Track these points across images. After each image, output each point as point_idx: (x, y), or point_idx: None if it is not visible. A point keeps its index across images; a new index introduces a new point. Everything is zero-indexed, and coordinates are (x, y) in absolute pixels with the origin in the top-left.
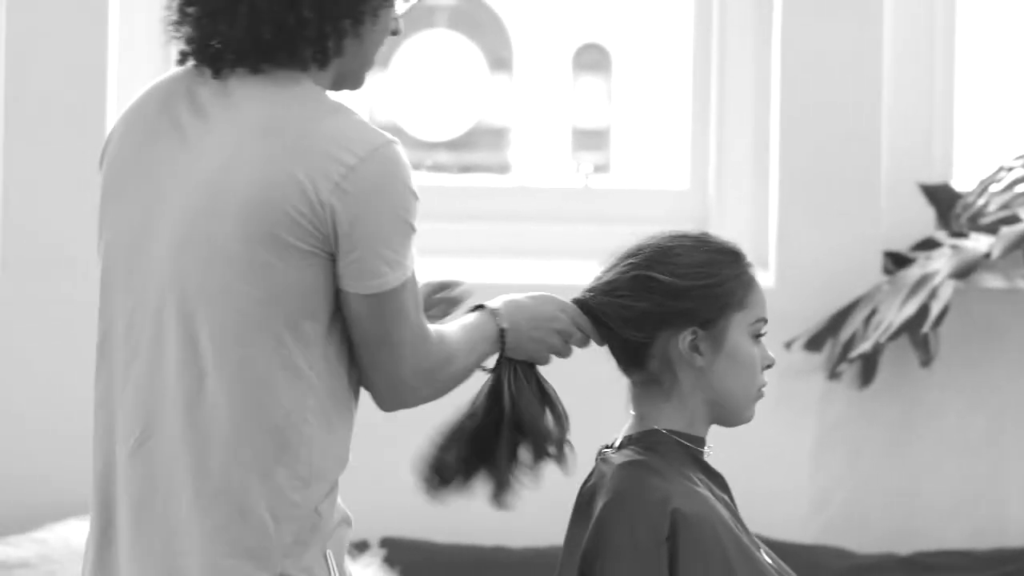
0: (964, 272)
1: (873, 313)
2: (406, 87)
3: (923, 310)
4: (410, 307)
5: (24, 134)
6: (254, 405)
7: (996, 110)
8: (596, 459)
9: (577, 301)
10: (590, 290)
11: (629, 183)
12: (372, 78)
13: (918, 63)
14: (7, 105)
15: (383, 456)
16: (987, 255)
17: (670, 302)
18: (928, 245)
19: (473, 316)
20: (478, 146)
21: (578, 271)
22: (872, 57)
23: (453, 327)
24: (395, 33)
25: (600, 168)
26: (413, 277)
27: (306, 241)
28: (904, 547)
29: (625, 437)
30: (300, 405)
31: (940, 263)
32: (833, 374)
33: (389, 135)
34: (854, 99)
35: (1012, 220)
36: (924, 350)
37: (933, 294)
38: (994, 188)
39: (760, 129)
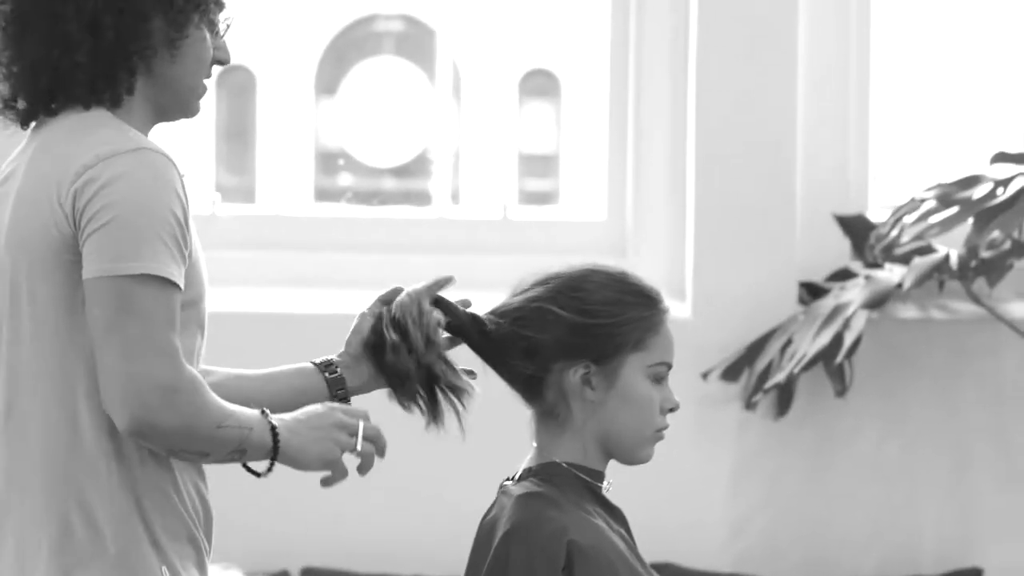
0: (877, 302)
1: (788, 343)
2: (353, 114)
3: (837, 340)
4: (149, 309)
5: None
6: (74, 418)
7: (910, 142)
8: (497, 491)
9: (478, 330)
10: (495, 315)
11: (547, 214)
12: (323, 104)
13: (833, 95)
14: None
15: (301, 487)
16: (899, 285)
17: (567, 337)
18: (843, 276)
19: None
20: (425, 173)
21: (496, 302)
22: (787, 89)
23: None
24: (220, 62)
25: (548, 195)
26: (162, 285)
27: (60, 249)
28: (820, 575)
29: (525, 469)
30: (91, 416)
31: (854, 293)
32: (749, 404)
33: (151, 146)
34: (770, 131)
35: (925, 251)
36: (839, 380)
37: (847, 324)
38: (907, 219)
39: (677, 160)
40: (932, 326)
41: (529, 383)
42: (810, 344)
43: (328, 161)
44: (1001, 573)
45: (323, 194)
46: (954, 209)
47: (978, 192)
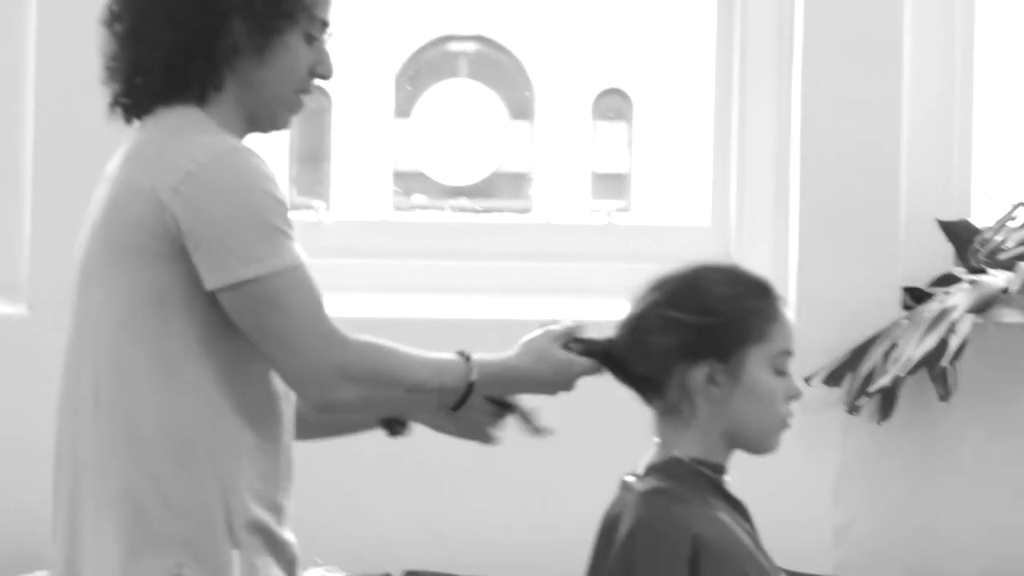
0: (982, 307)
1: (892, 348)
2: (428, 134)
3: (942, 344)
4: (289, 301)
5: (50, 181)
6: (136, 409)
7: (1014, 147)
8: (620, 488)
9: (600, 348)
10: (619, 329)
11: (651, 220)
12: (396, 126)
13: (937, 100)
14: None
15: (408, 489)
16: (1005, 290)
17: (688, 338)
18: (946, 281)
19: (448, 354)
20: (498, 192)
21: (604, 308)
22: (891, 95)
23: (414, 350)
24: (320, 76)
25: (620, 212)
26: (292, 274)
27: (158, 244)
28: None
29: (648, 465)
30: (183, 407)
31: (958, 298)
32: (852, 408)
33: (240, 144)
34: (874, 136)
35: None
36: (943, 384)
37: (952, 328)
38: (1012, 224)
39: (781, 166)
40: None
41: (651, 385)
42: (915, 348)
43: (403, 182)
44: None
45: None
46: None
47: None
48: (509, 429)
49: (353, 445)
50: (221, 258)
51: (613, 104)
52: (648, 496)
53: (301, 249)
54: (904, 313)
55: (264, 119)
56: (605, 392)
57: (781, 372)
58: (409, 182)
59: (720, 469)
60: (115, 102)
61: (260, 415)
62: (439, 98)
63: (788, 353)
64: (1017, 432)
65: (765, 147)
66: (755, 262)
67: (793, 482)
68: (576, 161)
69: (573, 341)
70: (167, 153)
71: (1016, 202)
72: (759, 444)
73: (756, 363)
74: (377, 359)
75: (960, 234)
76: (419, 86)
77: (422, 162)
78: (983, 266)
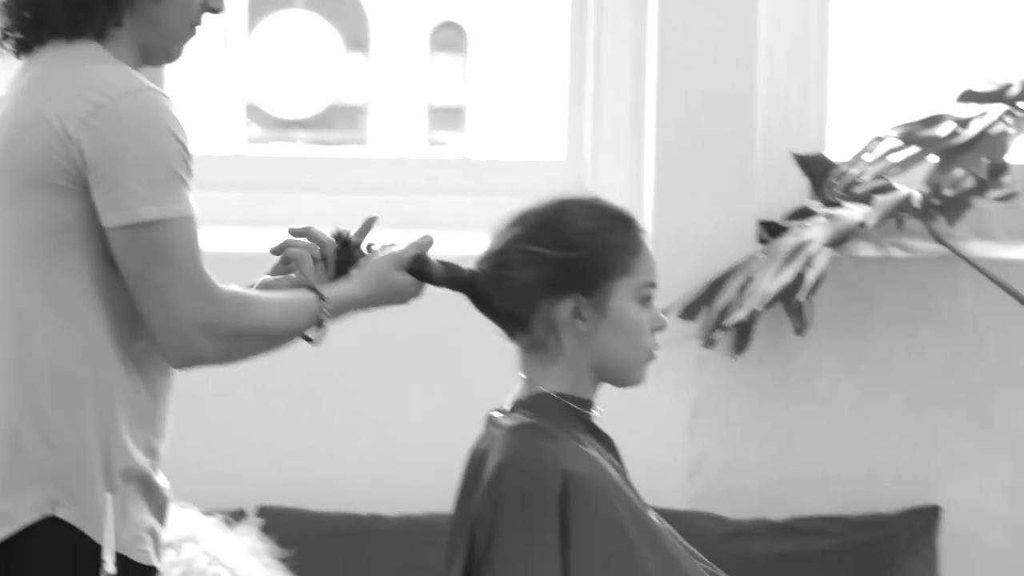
0: (839, 240)
1: (748, 281)
2: (263, 66)
3: (798, 278)
4: (177, 252)
5: None
6: (24, 341)
7: (869, 81)
8: (486, 423)
9: (464, 280)
10: (481, 263)
11: (507, 155)
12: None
13: (793, 34)
14: None
15: (258, 425)
16: (862, 224)
17: (552, 273)
18: (802, 214)
19: (299, 292)
20: (334, 125)
21: (459, 242)
22: (748, 27)
23: (270, 293)
24: (212, 10)
25: (459, 145)
26: (183, 224)
27: (60, 177)
28: (778, 513)
29: (515, 401)
30: (71, 344)
31: (815, 232)
32: (708, 342)
33: (151, 84)
34: (730, 69)
35: (885, 189)
36: (798, 318)
37: (808, 262)
38: (867, 158)
39: (636, 99)
40: (891, 265)
41: (516, 320)
42: (771, 282)
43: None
44: (958, 511)
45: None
46: (915, 148)
47: (941, 131)
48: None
49: (205, 378)
50: (123, 197)
51: (450, 37)
52: (515, 432)
53: (193, 199)
54: (760, 247)
55: (159, 52)
56: (466, 325)
57: (646, 304)
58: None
59: (587, 404)
60: (4, 36)
61: (145, 358)
62: (275, 29)
63: (652, 284)
64: (871, 365)
65: (621, 80)
66: (611, 196)
67: (648, 416)
68: (412, 94)
69: (417, 265)
70: (76, 85)
71: (873, 136)
72: (626, 377)
73: (621, 296)
74: (245, 315)
75: (816, 168)
76: (256, 16)
77: (256, 94)
78: (839, 200)
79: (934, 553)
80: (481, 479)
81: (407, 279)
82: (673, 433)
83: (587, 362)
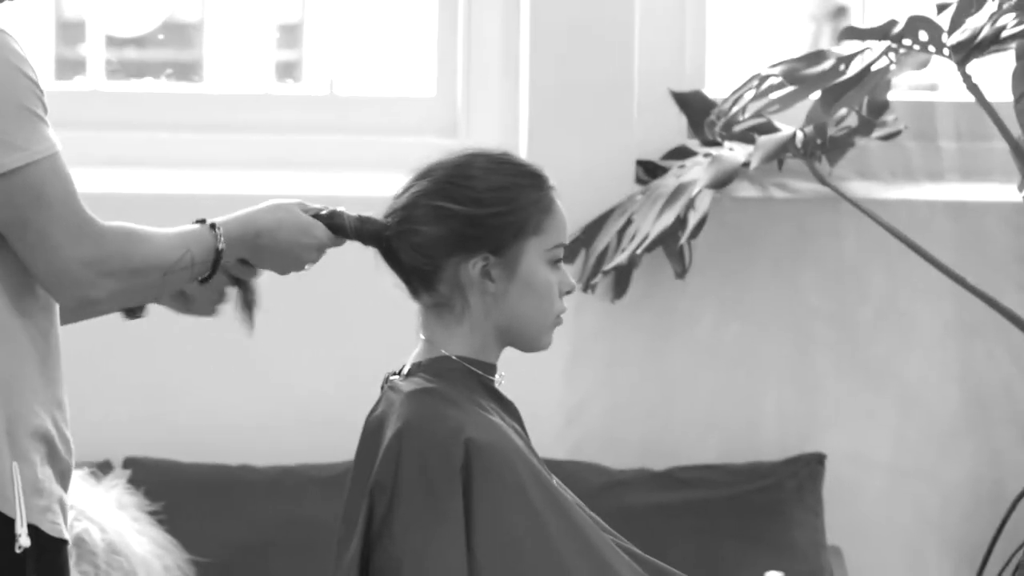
0: (722, 182)
1: (627, 224)
2: None
3: (679, 221)
4: (50, 192)
5: None
6: None
7: (748, 16)
8: (383, 386)
9: (373, 233)
10: (387, 216)
11: (375, 91)
12: None
13: None
14: None
15: (123, 371)
16: (745, 164)
17: (461, 229)
18: (680, 154)
19: (191, 226)
20: (167, 43)
21: (326, 182)
22: None
23: (159, 229)
24: None
25: (293, 66)
26: (50, 163)
27: None
28: (659, 462)
29: (414, 364)
30: None
31: (696, 172)
32: (587, 286)
33: None
34: (607, 5)
35: (765, 128)
36: (679, 261)
37: (690, 204)
38: (747, 96)
39: (510, 33)
40: (773, 205)
41: (421, 277)
42: (652, 225)
43: (68, 32)
44: (843, 458)
45: (65, 67)
46: (795, 86)
47: (822, 69)
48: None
49: (68, 326)
50: None
51: None
52: (415, 396)
53: (52, 131)
54: (639, 188)
55: None
56: (341, 274)
57: (555, 266)
58: (73, 32)
59: (491, 368)
60: None
61: (38, 306)
62: None
63: (563, 246)
64: (753, 309)
65: (493, 14)
66: (483, 134)
67: (525, 362)
68: (251, 13)
69: (329, 216)
70: None
71: (754, 73)
72: (533, 341)
73: (532, 256)
74: (133, 249)
75: (694, 106)
76: None
77: (86, 11)
78: (718, 139)
79: (819, 502)
80: (379, 445)
81: (317, 224)
82: (551, 379)
83: (493, 325)
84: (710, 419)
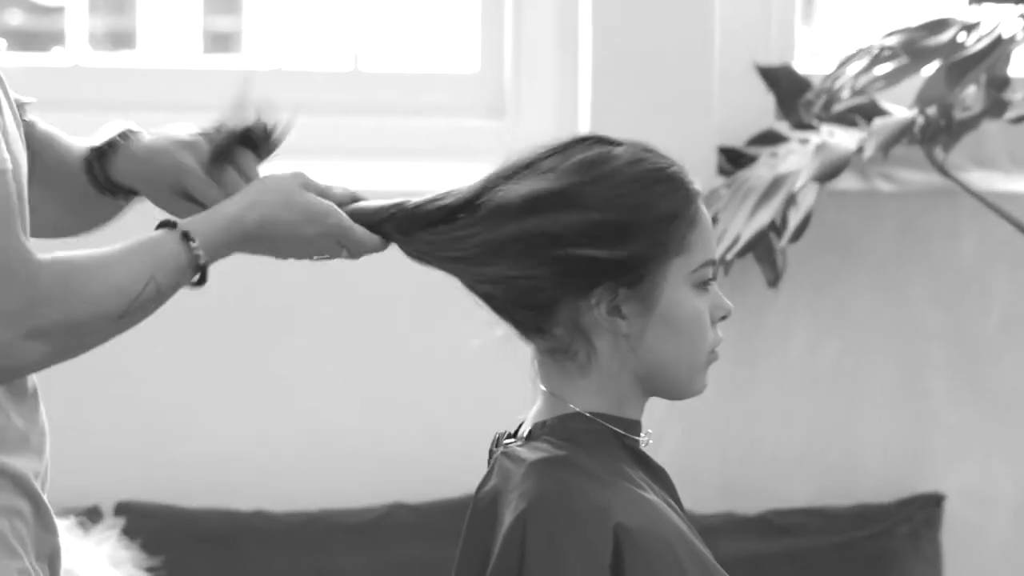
0: (831, 173)
1: (713, 222)
2: None
3: (778, 220)
4: None
5: None
6: None
7: None
8: (492, 450)
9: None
10: (458, 231)
11: (405, 66)
12: None
13: None
14: None
15: (113, 400)
16: (859, 152)
17: (577, 255)
18: (768, 139)
19: (153, 236)
20: (96, 10)
21: (354, 172)
22: None
23: (109, 250)
24: None
25: (232, 37)
26: None
27: None
28: (747, 505)
29: (536, 423)
30: None
31: (794, 162)
32: None
33: None
34: None
35: (868, 109)
36: (772, 268)
37: (791, 200)
38: (850, 71)
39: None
40: (878, 200)
41: (522, 318)
42: (745, 224)
43: None
44: (963, 499)
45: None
46: (905, 59)
47: (944, 39)
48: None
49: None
50: None
51: None
52: (542, 467)
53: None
54: (721, 179)
55: None
56: (371, 286)
57: (704, 288)
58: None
59: (635, 426)
60: None
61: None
62: None
63: (712, 263)
64: (853, 324)
65: None
66: (535, 118)
67: None
68: None
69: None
70: None
71: (859, 45)
72: (684, 386)
73: (674, 282)
74: (77, 291)
75: (783, 83)
76: None
77: None
78: (813, 122)
79: (938, 550)
80: (494, 531)
81: (331, 209)
82: None
83: (631, 372)
84: (805, 454)
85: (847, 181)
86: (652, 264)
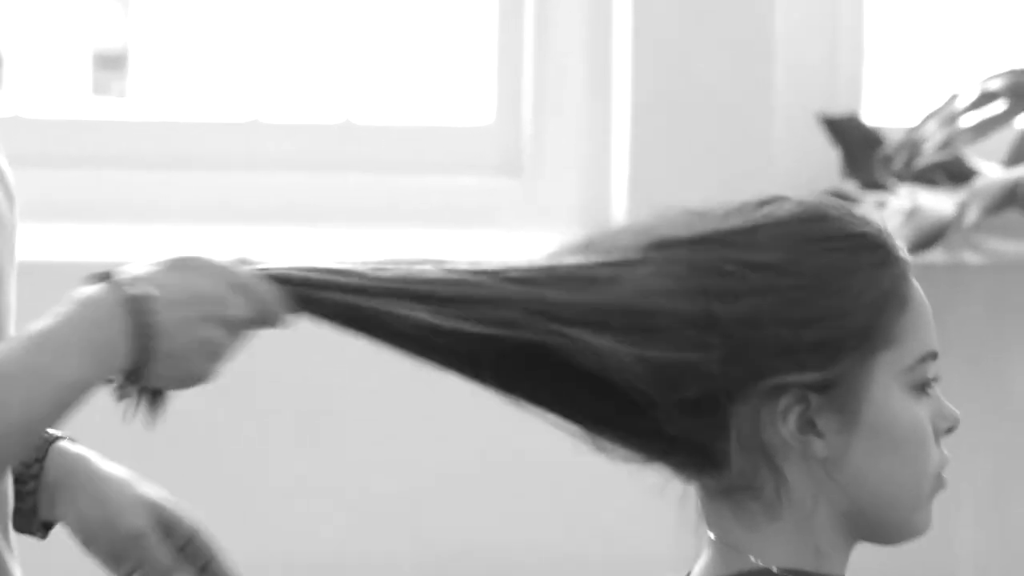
0: (926, 243)
1: None
2: None
3: None
4: None
5: None
6: None
7: (914, 20)
8: None
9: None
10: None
11: (406, 118)
12: None
13: None
14: None
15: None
16: (959, 219)
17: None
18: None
19: (84, 296)
20: None
21: (343, 237)
22: None
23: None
24: None
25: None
26: None
27: None
28: None
29: None
30: None
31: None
32: None
33: None
34: (735, 3)
35: (954, 168)
36: None
37: None
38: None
39: (598, 39)
40: (964, 274)
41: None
42: None
43: None
44: None
45: None
46: (1003, 105)
47: None
48: None
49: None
50: None
51: None
52: None
53: None
54: None
55: None
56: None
57: (924, 392)
58: None
59: None
60: None
61: None
62: None
63: (932, 356)
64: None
65: (575, 9)
66: (560, 175)
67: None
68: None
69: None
70: None
71: (952, 93)
72: (903, 524)
73: (884, 383)
74: None
75: (850, 135)
76: None
77: None
78: (886, 182)
79: None
80: None
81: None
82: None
83: (831, 509)
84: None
85: (930, 253)
86: (853, 360)
